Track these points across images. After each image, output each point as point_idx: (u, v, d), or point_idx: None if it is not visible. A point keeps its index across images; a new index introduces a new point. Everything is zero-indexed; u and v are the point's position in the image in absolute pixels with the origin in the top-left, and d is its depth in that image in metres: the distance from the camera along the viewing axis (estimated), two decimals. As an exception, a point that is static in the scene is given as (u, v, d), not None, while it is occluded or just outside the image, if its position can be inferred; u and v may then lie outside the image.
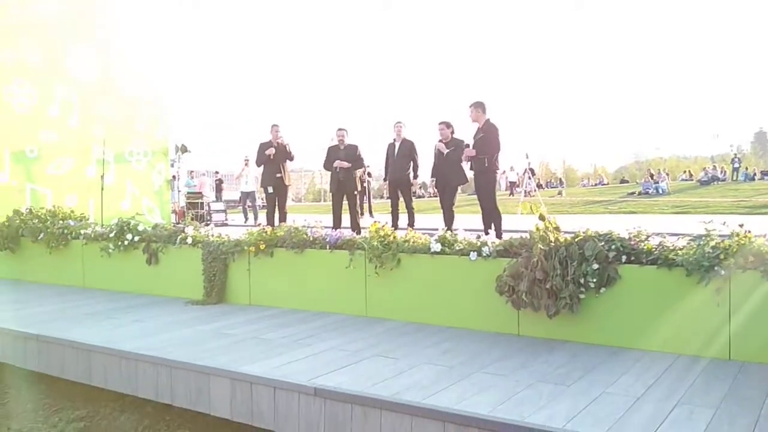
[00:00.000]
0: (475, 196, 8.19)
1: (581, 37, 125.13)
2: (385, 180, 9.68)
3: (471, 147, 7.71)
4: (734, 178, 29.57)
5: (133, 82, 10.55)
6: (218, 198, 21.74)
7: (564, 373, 3.64)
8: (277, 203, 9.71)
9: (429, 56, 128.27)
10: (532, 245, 4.37)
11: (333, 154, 9.10)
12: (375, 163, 17.56)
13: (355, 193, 9.32)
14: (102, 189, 9.13)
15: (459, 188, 8.60)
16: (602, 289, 4.19)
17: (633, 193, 24.97)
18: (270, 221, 9.43)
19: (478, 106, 7.64)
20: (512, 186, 28.31)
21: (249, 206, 17.16)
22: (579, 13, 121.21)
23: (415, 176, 9.25)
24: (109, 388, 4.48)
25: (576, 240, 4.31)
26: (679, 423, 2.85)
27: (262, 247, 5.85)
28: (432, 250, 4.98)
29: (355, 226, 8.83)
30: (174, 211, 14.32)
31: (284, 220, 9.34)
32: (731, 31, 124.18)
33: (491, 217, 7.66)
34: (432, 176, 8.49)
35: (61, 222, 7.76)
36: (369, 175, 16.85)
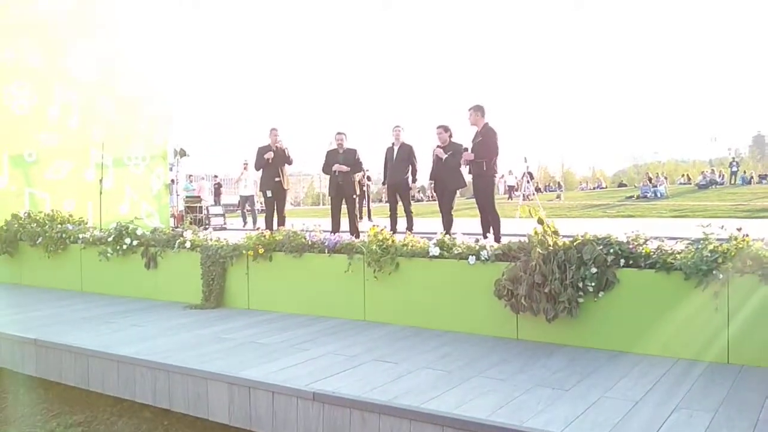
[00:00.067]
0: (474, 200, 8.20)
1: (580, 39, 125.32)
2: (383, 184, 9.69)
3: (469, 151, 7.72)
4: (732, 182, 29.59)
5: (134, 83, 10.57)
6: (217, 202, 21.78)
7: (562, 377, 3.64)
8: (275, 207, 9.70)
9: (428, 58, 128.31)
10: (530, 249, 4.38)
11: (332, 158, 9.12)
12: (374, 166, 17.62)
13: (354, 196, 9.32)
14: (100, 193, 9.12)
15: (457, 192, 8.61)
16: (601, 293, 4.20)
17: (631, 197, 25.00)
18: (269, 225, 9.43)
19: (478, 110, 7.65)
20: (511, 190, 28.34)
21: (248, 210, 17.17)
22: (578, 14, 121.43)
23: (414, 180, 9.26)
24: (107, 393, 4.48)
25: (574, 244, 4.32)
26: (678, 427, 2.85)
27: (261, 251, 5.85)
28: (430, 254, 4.98)
29: (354, 230, 8.84)
30: (173, 215, 14.31)
31: (283, 224, 9.33)
32: (729, 34, 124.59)
33: (490, 220, 7.66)
34: (430, 180, 8.50)
35: (59, 226, 7.76)
36: (368, 178, 16.85)
